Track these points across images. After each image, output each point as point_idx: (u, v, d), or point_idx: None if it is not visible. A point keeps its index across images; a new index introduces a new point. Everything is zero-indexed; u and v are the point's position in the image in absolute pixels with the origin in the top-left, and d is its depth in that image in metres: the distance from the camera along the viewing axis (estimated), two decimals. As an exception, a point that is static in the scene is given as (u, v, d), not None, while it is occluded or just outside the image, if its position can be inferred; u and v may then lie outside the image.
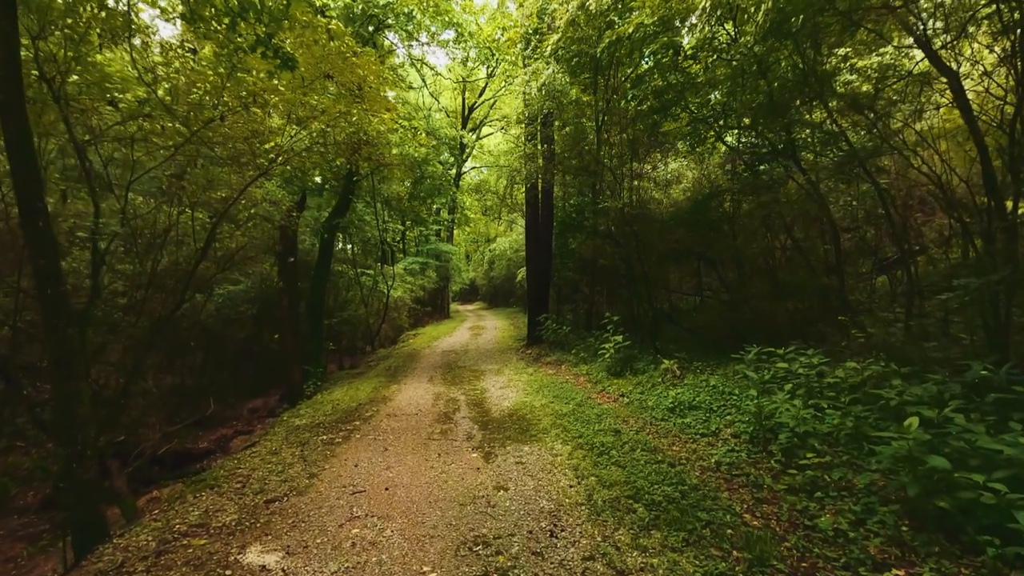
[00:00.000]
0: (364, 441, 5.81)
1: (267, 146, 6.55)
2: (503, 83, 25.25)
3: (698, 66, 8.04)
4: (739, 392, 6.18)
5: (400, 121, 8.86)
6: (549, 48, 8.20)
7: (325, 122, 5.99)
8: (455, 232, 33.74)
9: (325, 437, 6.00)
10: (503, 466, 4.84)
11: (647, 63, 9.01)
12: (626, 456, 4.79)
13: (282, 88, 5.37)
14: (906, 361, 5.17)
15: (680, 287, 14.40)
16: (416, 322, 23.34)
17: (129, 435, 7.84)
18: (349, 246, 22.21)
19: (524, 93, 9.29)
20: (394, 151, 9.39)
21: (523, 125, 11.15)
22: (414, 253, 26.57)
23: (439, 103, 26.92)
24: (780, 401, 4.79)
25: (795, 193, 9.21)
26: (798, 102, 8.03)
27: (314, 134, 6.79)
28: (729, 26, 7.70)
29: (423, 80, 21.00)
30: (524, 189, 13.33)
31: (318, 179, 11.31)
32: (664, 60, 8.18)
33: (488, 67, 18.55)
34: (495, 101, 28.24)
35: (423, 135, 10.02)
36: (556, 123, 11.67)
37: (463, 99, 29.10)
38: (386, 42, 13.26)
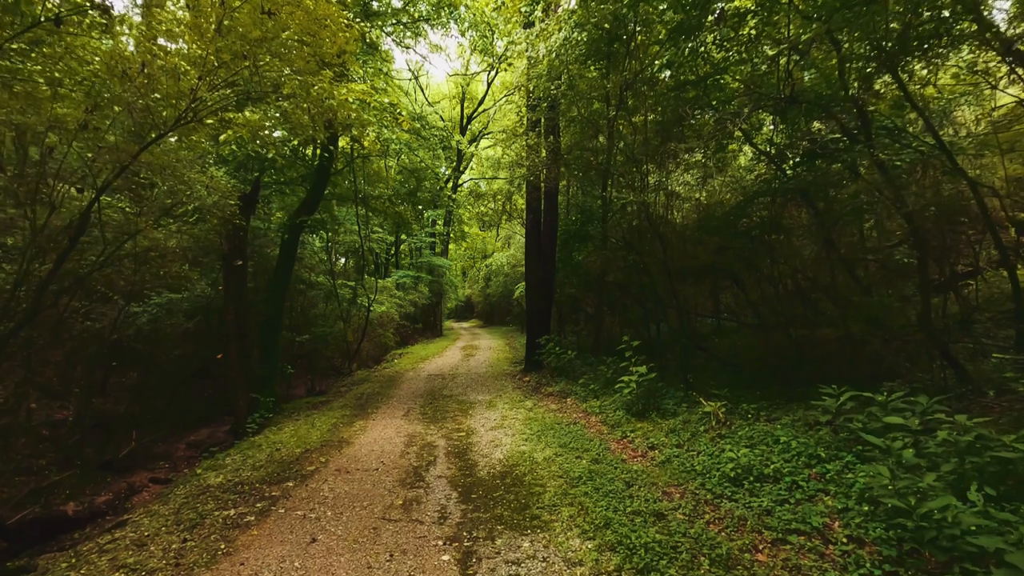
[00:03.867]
0: (287, 521, 3.95)
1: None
2: (504, 93, 23.97)
3: (746, 29, 6.44)
4: (825, 455, 4.38)
5: (376, 97, 7.21)
6: (562, 6, 6.61)
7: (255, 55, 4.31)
8: (451, 247, 32.14)
9: (233, 512, 4.13)
10: (489, 585, 3.00)
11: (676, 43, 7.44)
12: (689, 576, 2.96)
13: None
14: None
15: (696, 308, 12.68)
16: (405, 340, 21.48)
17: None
18: (341, 259, 20.48)
19: (529, 58, 7.68)
20: (370, 135, 7.71)
21: (524, 102, 9.53)
22: (407, 266, 24.86)
23: (430, 104, 25.49)
24: (935, 488, 2.99)
25: (850, 194, 7.63)
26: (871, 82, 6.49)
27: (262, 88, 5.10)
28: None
29: (415, 76, 19.52)
30: (525, 191, 11.68)
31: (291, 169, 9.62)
32: (695, 22, 6.58)
33: (488, 65, 17.09)
34: (495, 112, 26.86)
35: (406, 117, 8.37)
36: (563, 113, 10.08)
37: (462, 108, 27.82)
38: (383, 47, 11.83)
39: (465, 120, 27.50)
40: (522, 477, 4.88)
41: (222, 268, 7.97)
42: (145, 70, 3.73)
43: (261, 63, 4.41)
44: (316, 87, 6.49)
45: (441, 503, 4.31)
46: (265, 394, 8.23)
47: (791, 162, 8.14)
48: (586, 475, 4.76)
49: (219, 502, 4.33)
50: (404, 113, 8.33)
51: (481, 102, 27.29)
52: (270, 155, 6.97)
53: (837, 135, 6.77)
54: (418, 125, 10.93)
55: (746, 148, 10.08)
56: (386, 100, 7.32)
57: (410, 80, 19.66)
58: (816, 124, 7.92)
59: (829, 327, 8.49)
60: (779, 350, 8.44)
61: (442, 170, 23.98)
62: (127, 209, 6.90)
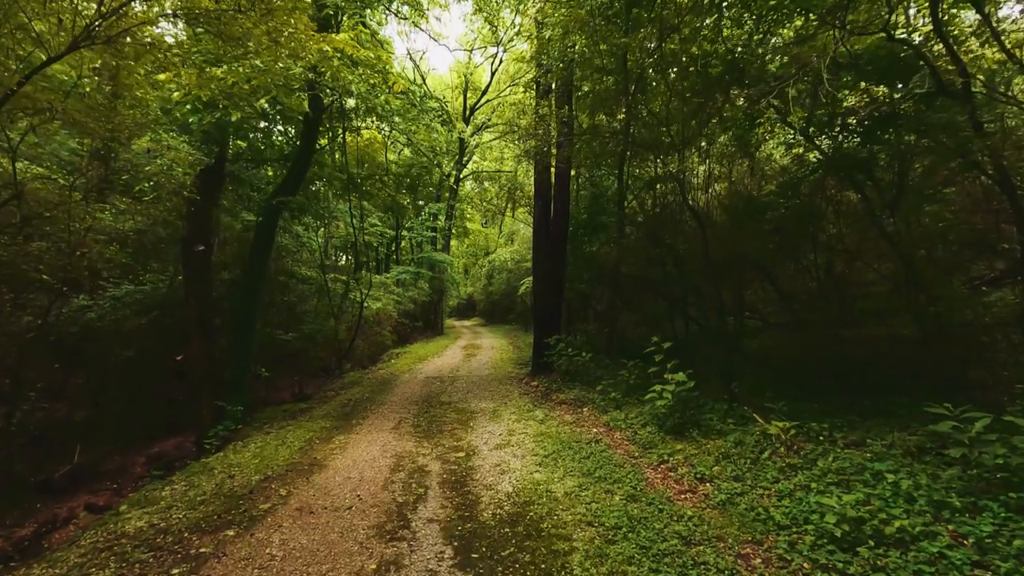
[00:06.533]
0: (207, 601, 2.78)
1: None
2: (509, 82, 22.73)
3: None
4: (960, 504, 3.18)
5: (363, 52, 6.02)
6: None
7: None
8: (453, 243, 30.91)
9: (136, 583, 2.96)
10: None
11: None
12: None
13: None
14: None
15: (724, 304, 11.43)
16: (403, 338, 20.31)
17: None
18: (341, 255, 19.28)
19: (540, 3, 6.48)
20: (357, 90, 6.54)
21: (534, 62, 8.30)
22: (408, 262, 23.69)
23: (431, 92, 24.24)
24: None
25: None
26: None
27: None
28: None
29: (414, 63, 18.29)
30: (533, 173, 10.49)
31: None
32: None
33: (492, 42, 15.87)
34: (499, 104, 25.56)
35: (397, 76, 7.20)
36: (578, 87, 8.87)
37: (464, 99, 26.59)
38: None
39: (468, 111, 26.25)
40: (539, 523, 3.69)
41: (180, 254, 6.79)
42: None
43: None
44: (287, 33, 5.37)
45: (430, 568, 3.12)
46: (233, 401, 7.06)
47: (840, 136, 6.92)
48: (625, 523, 3.57)
49: (123, 565, 3.15)
50: (392, 72, 7.14)
51: (485, 92, 26.01)
52: (234, 118, 5.80)
53: (919, 90, 5.54)
54: (415, 89, 9.71)
55: (777, 129, 8.88)
56: (373, 54, 6.12)
57: (407, 55, 18.35)
58: (878, 89, 6.73)
59: (880, 325, 7.29)
60: (817, 352, 7.25)
61: (444, 165, 22.79)
62: (61, 181, 5.75)
